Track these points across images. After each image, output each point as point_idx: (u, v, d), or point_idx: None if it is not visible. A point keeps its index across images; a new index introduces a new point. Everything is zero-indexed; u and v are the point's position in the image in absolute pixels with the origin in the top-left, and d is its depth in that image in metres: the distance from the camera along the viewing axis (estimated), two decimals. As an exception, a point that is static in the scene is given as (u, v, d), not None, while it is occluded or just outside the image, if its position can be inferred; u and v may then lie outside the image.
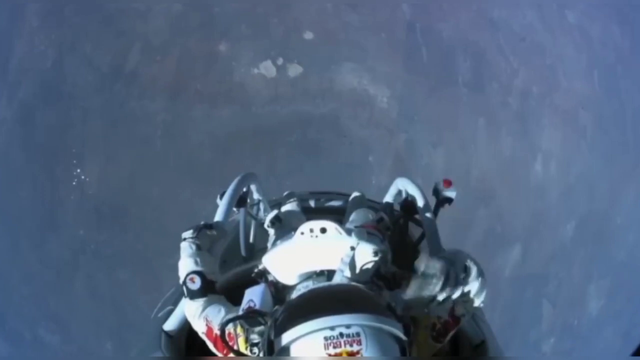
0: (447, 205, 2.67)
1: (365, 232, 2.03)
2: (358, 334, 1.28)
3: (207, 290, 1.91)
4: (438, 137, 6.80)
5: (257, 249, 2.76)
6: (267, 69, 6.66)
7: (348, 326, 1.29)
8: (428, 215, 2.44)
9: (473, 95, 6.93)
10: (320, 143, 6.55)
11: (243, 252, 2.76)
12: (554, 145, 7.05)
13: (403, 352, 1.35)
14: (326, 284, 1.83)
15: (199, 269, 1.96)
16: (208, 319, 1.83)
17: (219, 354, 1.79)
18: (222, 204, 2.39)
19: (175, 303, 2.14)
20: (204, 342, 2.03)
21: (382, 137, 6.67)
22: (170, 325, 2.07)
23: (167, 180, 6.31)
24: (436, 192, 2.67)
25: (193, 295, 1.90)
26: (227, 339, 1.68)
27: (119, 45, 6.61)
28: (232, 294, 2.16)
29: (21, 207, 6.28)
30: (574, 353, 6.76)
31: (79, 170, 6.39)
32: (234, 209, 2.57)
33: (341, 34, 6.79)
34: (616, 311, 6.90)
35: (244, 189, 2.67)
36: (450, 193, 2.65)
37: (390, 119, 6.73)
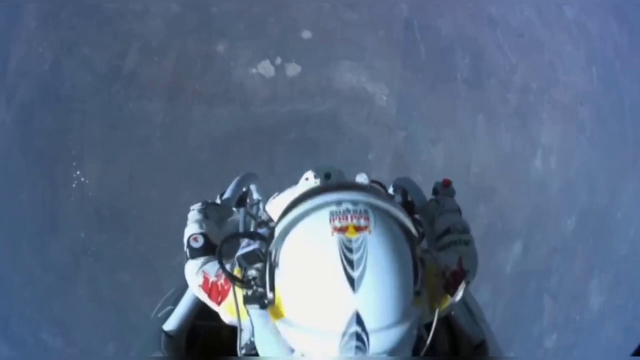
0: None
1: (369, 180, 2.03)
2: (366, 212, 1.19)
3: (210, 251, 1.90)
4: (437, 134, 6.80)
5: None
6: (266, 68, 6.65)
7: (355, 203, 1.21)
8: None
9: (472, 92, 6.93)
10: (319, 141, 6.54)
11: None
12: (554, 141, 7.05)
13: (412, 250, 1.25)
14: None
15: (203, 231, 1.97)
16: (205, 271, 1.79)
17: (213, 306, 1.73)
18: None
19: (175, 303, 2.14)
20: (204, 342, 2.03)
21: (381, 134, 6.66)
22: (170, 325, 2.07)
23: (167, 181, 6.31)
24: (435, 192, 2.68)
25: (194, 253, 1.88)
26: (223, 282, 1.65)
27: (117, 46, 6.61)
28: None
29: (21, 210, 6.28)
30: (576, 348, 6.76)
31: (78, 172, 6.39)
32: (234, 209, 2.57)
33: (339, 33, 6.78)
34: (618, 305, 6.90)
35: (244, 189, 2.67)
36: (449, 193, 2.66)
37: (389, 116, 6.72)
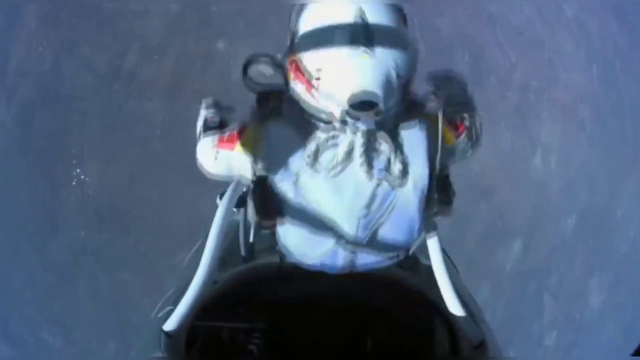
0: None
1: None
2: None
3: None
4: (437, 133, 6.79)
5: (258, 249, 2.75)
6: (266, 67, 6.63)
7: None
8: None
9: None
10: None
11: (243, 252, 2.75)
12: (554, 139, 7.05)
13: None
14: None
15: (219, 115, 2.16)
16: (221, 134, 1.90)
17: (226, 155, 1.82)
18: (222, 204, 2.38)
19: (175, 303, 2.13)
20: (204, 342, 2.03)
21: (381, 134, 6.65)
22: (169, 325, 2.05)
23: (167, 180, 6.31)
24: None
25: (211, 129, 2.02)
26: (239, 130, 1.85)
27: (117, 46, 6.62)
28: (232, 295, 2.16)
29: (21, 210, 6.28)
30: (576, 347, 6.77)
31: (78, 170, 6.40)
32: (234, 209, 2.56)
33: (339, 31, 6.76)
34: (618, 304, 6.91)
35: (244, 189, 2.66)
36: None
37: (389, 115, 6.71)
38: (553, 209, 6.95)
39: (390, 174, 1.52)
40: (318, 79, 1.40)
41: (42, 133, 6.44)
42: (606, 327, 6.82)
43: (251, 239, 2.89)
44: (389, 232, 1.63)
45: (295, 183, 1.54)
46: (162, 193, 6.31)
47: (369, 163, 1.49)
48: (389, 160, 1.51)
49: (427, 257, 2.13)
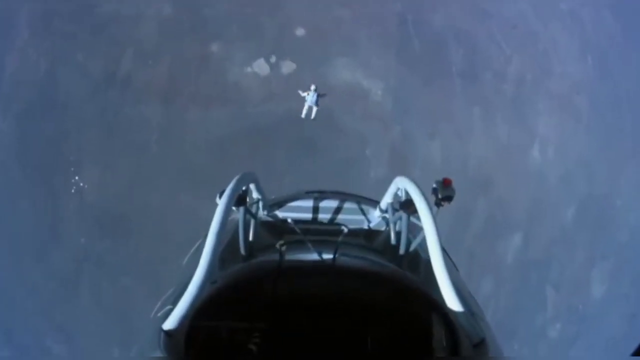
0: (446, 203, 2.66)
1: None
2: None
3: None
4: (434, 128, 6.80)
5: (257, 248, 2.75)
6: (260, 67, 6.65)
7: None
8: (426, 212, 2.41)
9: (467, 85, 6.93)
10: (316, 139, 6.55)
11: (242, 251, 2.74)
12: (551, 131, 7.06)
13: None
14: None
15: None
16: None
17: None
18: (221, 202, 2.36)
19: (175, 303, 2.12)
20: (203, 342, 2.02)
21: (378, 130, 6.66)
22: (169, 324, 2.05)
23: (166, 184, 6.30)
24: (435, 191, 2.67)
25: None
26: None
27: (111, 51, 6.60)
28: (232, 294, 2.15)
29: (21, 219, 6.28)
30: (579, 338, 6.78)
31: (77, 178, 6.38)
32: (233, 207, 2.55)
33: (333, 29, 6.78)
34: (621, 293, 6.91)
35: (243, 188, 2.65)
36: (449, 192, 2.65)
37: (385, 111, 6.72)
38: (552, 200, 6.95)
39: None
40: None
41: (39, 141, 6.43)
42: (610, 316, 6.83)
43: (250, 238, 2.89)
44: None
45: None
46: (161, 198, 6.31)
47: None
48: None
49: (427, 253, 2.14)
